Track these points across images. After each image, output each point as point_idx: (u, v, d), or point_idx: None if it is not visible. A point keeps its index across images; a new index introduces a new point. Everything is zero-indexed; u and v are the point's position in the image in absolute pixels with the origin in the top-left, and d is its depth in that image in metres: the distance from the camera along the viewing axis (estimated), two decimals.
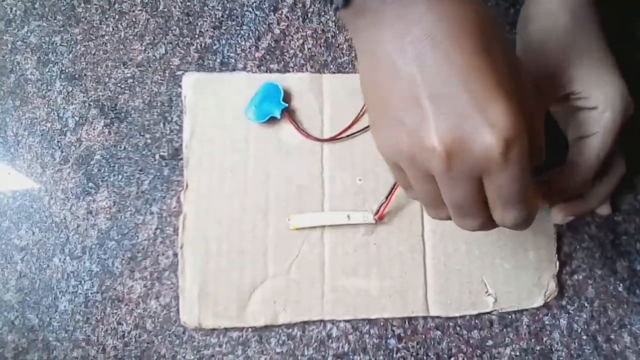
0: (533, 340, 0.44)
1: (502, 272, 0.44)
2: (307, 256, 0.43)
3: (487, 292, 0.43)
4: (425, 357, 0.43)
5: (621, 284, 0.46)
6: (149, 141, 0.45)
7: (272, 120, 0.44)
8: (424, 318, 0.43)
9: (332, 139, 0.44)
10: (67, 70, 0.46)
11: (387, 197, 0.42)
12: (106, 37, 0.46)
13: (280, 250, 0.43)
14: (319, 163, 0.44)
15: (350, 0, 0.27)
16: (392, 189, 0.42)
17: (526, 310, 0.44)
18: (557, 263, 0.45)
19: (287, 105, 0.44)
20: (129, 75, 0.46)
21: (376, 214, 0.42)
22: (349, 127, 0.44)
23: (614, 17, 0.40)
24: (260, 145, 0.44)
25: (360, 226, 0.43)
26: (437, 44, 0.25)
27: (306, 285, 0.42)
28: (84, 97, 0.45)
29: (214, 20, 0.47)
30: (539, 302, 0.44)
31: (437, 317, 0.43)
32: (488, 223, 0.29)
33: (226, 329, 0.42)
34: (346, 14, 0.28)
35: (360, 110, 0.44)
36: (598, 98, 0.35)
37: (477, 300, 0.43)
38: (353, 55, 0.47)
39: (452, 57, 0.25)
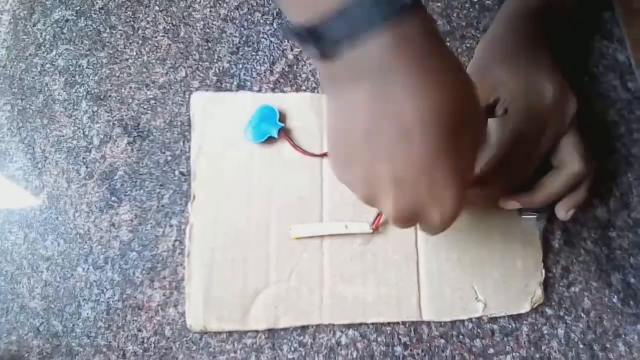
0: (532, 348, 0.46)
1: (491, 280, 0.46)
2: (307, 264, 0.45)
3: (477, 298, 0.46)
4: None
5: (616, 296, 0.48)
6: (169, 158, 0.47)
7: (273, 138, 0.47)
8: (429, 327, 0.46)
9: (327, 154, 0.47)
10: (92, 91, 0.49)
11: None
12: (130, 61, 0.49)
13: (282, 259, 0.45)
14: (319, 176, 0.47)
15: (335, 54, 0.26)
16: None
17: (525, 320, 0.46)
18: (543, 272, 0.47)
19: (283, 125, 0.47)
20: (151, 96, 0.49)
21: (373, 224, 0.45)
22: None
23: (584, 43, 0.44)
24: (263, 160, 0.47)
25: (357, 236, 0.46)
26: (409, 134, 0.27)
27: (306, 292, 0.45)
28: (108, 116, 0.48)
29: (231, 46, 0.50)
30: (526, 307, 0.46)
31: (442, 326, 0.46)
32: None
33: (240, 336, 0.44)
34: (325, 63, 0.27)
35: None
36: (507, 90, 0.40)
37: (467, 306, 0.46)
38: None
39: (420, 149, 0.27)
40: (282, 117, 0.47)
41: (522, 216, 0.47)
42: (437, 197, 0.29)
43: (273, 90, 0.49)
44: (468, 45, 0.52)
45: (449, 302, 0.45)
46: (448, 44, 0.52)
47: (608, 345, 0.47)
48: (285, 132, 0.47)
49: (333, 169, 0.32)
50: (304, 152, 0.47)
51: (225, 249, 0.45)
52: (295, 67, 0.50)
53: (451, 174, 0.28)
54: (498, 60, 0.42)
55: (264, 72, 0.50)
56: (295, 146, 0.47)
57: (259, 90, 0.49)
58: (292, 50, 0.50)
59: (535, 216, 0.47)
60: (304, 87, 0.49)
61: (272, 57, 0.50)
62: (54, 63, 0.49)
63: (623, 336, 0.47)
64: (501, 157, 0.40)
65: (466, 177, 0.30)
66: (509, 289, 0.46)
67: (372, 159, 0.28)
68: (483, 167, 0.41)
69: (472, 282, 0.46)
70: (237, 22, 0.51)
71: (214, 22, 0.51)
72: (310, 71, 0.50)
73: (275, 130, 0.46)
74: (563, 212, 0.45)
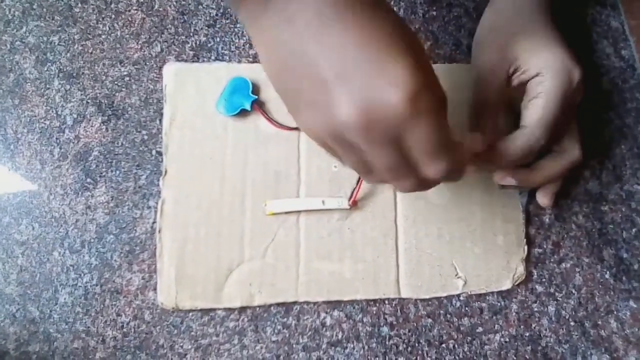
0: (522, 326, 0.45)
1: (471, 256, 0.45)
2: (283, 240, 0.44)
3: (457, 275, 0.45)
4: (416, 344, 0.44)
5: (608, 272, 0.47)
6: (145, 137, 0.46)
7: (246, 110, 0.45)
8: (415, 306, 0.44)
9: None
10: (65, 69, 0.47)
11: (357, 182, 0.44)
12: (103, 37, 0.47)
13: (257, 235, 0.44)
14: (296, 150, 0.45)
15: None
16: None
17: (515, 297, 0.45)
18: (526, 248, 0.46)
19: (256, 97, 0.45)
20: (125, 73, 0.47)
21: (350, 199, 0.44)
22: None
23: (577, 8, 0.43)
24: (238, 133, 0.45)
25: (335, 211, 0.45)
26: (328, 22, 0.26)
27: (281, 268, 0.44)
28: (81, 95, 0.46)
29: (208, 18, 0.48)
30: (507, 285, 0.45)
31: (428, 305, 0.45)
32: (424, 181, 0.30)
33: (223, 319, 0.43)
34: (238, 7, 0.28)
35: None
36: (538, 65, 0.39)
37: (447, 283, 0.45)
38: None
39: (344, 32, 0.26)
40: (257, 89, 0.46)
41: (503, 189, 0.46)
42: (384, 73, 0.25)
43: (252, 64, 0.47)
44: (455, 14, 0.50)
45: (428, 279, 0.44)
46: (434, 12, 0.50)
47: (600, 322, 0.46)
48: (259, 105, 0.45)
49: (288, 108, 0.31)
50: (279, 125, 0.45)
51: (198, 224, 0.44)
52: None
53: (387, 44, 0.26)
54: (518, 29, 0.41)
55: (243, 46, 0.48)
56: (270, 119, 0.45)
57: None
58: None
59: (516, 189, 0.46)
60: None
61: None
62: (23, 40, 0.47)
63: (615, 312, 0.46)
64: (531, 139, 0.38)
65: (416, 52, 0.27)
66: (490, 266, 0.45)
67: (311, 67, 0.27)
68: (510, 144, 0.39)
69: (452, 258, 0.45)
70: None
71: None
72: None
73: (248, 102, 0.45)
74: (546, 198, 0.45)
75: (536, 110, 0.39)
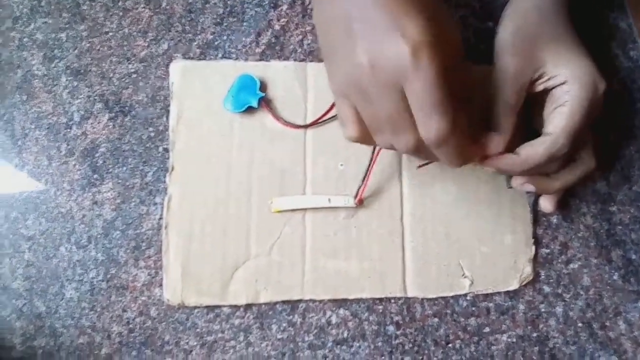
0: (529, 327, 0.45)
1: (478, 256, 0.45)
2: (289, 238, 0.44)
3: (463, 274, 0.44)
4: (423, 344, 0.44)
5: (616, 273, 0.46)
6: (152, 134, 0.46)
7: (253, 108, 0.45)
8: (422, 305, 0.44)
9: (310, 125, 0.45)
10: (72, 66, 0.47)
11: (363, 179, 0.43)
12: (110, 34, 0.48)
13: (263, 232, 0.44)
14: (302, 148, 0.45)
15: None
16: (368, 170, 0.43)
17: (522, 298, 0.45)
18: (533, 248, 0.46)
19: (263, 94, 0.45)
20: (132, 70, 0.47)
21: (356, 196, 0.44)
22: (326, 113, 0.45)
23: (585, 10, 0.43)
24: (244, 130, 0.45)
25: (341, 209, 0.44)
26: None
27: (287, 266, 0.43)
28: (89, 91, 0.46)
29: (215, 16, 0.48)
30: (514, 285, 0.45)
31: (435, 304, 0.44)
32: (421, 144, 0.32)
33: (228, 316, 0.43)
34: None
35: None
36: (565, 74, 0.39)
37: (453, 282, 0.44)
38: None
39: None
40: (264, 87, 0.46)
41: (511, 188, 0.45)
42: (398, 24, 0.29)
43: (260, 62, 0.47)
44: (462, 14, 0.50)
45: (434, 278, 0.44)
46: None
47: (608, 324, 0.45)
48: (266, 102, 0.45)
49: (325, 61, 0.35)
50: (286, 122, 0.45)
51: (204, 221, 0.44)
52: (282, 38, 0.48)
53: (407, 1, 0.30)
54: (545, 35, 0.40)
55: (250, 44, 0.48)
56: (277, 116, 0.45)
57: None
58: (278, 20, 0.48)
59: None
60: (291, 59, 0.47)
61: (257, 28, 0.48)
62: (32, 37, 0.47)
63: (623, 314, 0.46)
64: (555, 146, 0.38)
65: (433, 12, 0.30)
66: (497, 266, 0.45)
67: (342, 18, 0.31)
68: (532, 150, 0.39)
69: (458, 258, 0.45)
70: None
71: None
72: (297, 42, 0.48)
73: (255, 99, 0.45)
74: (550, 204, 0.45)
75: (562, 118, 0.38)
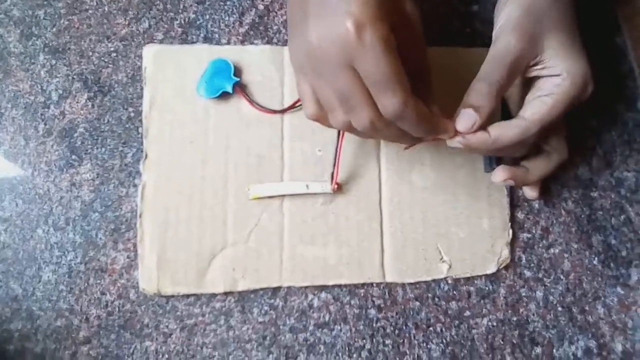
0: (510, 311, 0.45)
1: (456, 240, 0.45)
2: (266, 225, 0.44)
3: (441, 259, 0.45)
4: (404, 327, 0.44)
5: (596, 258, 0.47)
6: (132, 114, 0.45)
7: (228, 93, 0.44)
8: (403, 289, 0.44)
9: (286, 110, 0.45)
10: (50, 44, 0.46)
11: (334, 164, 0.42)
12: (90, 11, 0.46)
13: (240, 219, 0.43)
14: (279, 134, 0.45)
15: None
16: (336, 154, 0.42)
17: (503, 282, 0.45)
18: (510, 231, 0.46)
19: (238, 79, 0.44)
20: (112, 49, 0.46)
21: (331, 182, 0.43)
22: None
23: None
24: (220, 116, 0.45)
25: (319, 196, 0.44)
26: None
27: (265, 253, 0.43)
28: (67, 70, 0.45)
29: None
30: (492, 269, 0.45)
31: (417, 288, 0.44)
32: (380, 119, 0.33)
33: (209, 300, 0.43)
34: None
35: None
36: (561, 67, 0.38)
37: (432, 267, 0.44)
38: None
39: None
40: (239, 72, 0.45)
41: (488, 172, 0.45)
42: (346, 4, 0.29)
43: (242, 42, 0.46)
44: None
45: (412, 263, 0.44)
46: None
47: (587, 308, 0.46)
48: (241, 87, 0.44)
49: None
50: (261, 108, 0.44)
51: (180, 209, 0.43)
52: (266, 18, 0.47)
53: None
54: (552, 24, 0.39)
55: (233, 24, 0.47)
56: (251, 102, 0.44)
57: (227, 43, 0.46)
58: (262, 0, 0.47)
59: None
60: (275, 40, 0.47)
61: (241, 8, 0.47)
62: (8, 14, 0.46)
63: (602, 298, 0.46)
64: (525, 133, 0.38)
65: None
66: (475, 250, 0.45)
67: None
68: (502, 131, 0.38)
69: (436, 242, 0.45)
70: None
71: None
72: (282, 22, 0.47)
73: (229, 85, 0.44)
74: (535, 192, 0.46)
75: (542, 107, 0.38)
